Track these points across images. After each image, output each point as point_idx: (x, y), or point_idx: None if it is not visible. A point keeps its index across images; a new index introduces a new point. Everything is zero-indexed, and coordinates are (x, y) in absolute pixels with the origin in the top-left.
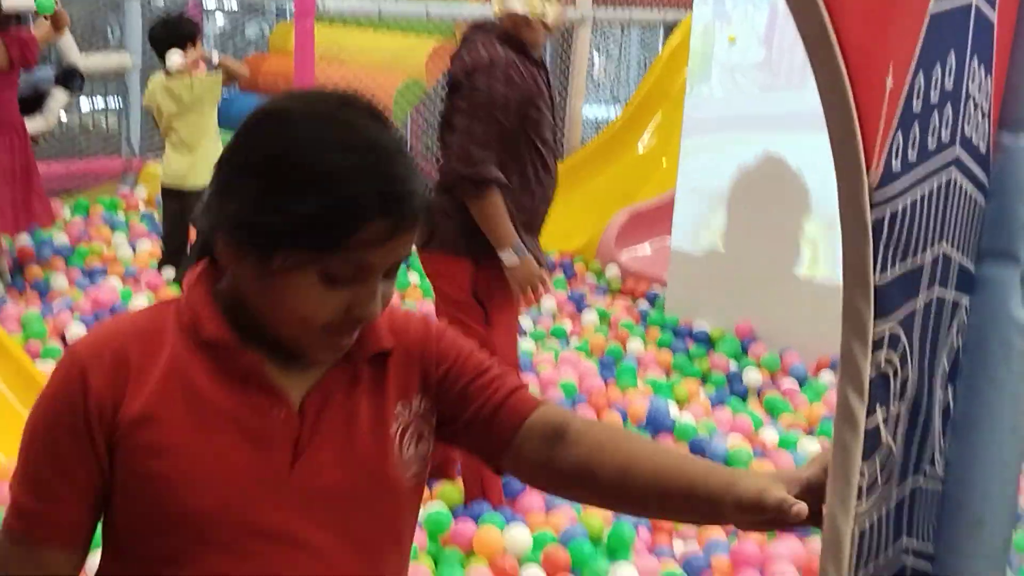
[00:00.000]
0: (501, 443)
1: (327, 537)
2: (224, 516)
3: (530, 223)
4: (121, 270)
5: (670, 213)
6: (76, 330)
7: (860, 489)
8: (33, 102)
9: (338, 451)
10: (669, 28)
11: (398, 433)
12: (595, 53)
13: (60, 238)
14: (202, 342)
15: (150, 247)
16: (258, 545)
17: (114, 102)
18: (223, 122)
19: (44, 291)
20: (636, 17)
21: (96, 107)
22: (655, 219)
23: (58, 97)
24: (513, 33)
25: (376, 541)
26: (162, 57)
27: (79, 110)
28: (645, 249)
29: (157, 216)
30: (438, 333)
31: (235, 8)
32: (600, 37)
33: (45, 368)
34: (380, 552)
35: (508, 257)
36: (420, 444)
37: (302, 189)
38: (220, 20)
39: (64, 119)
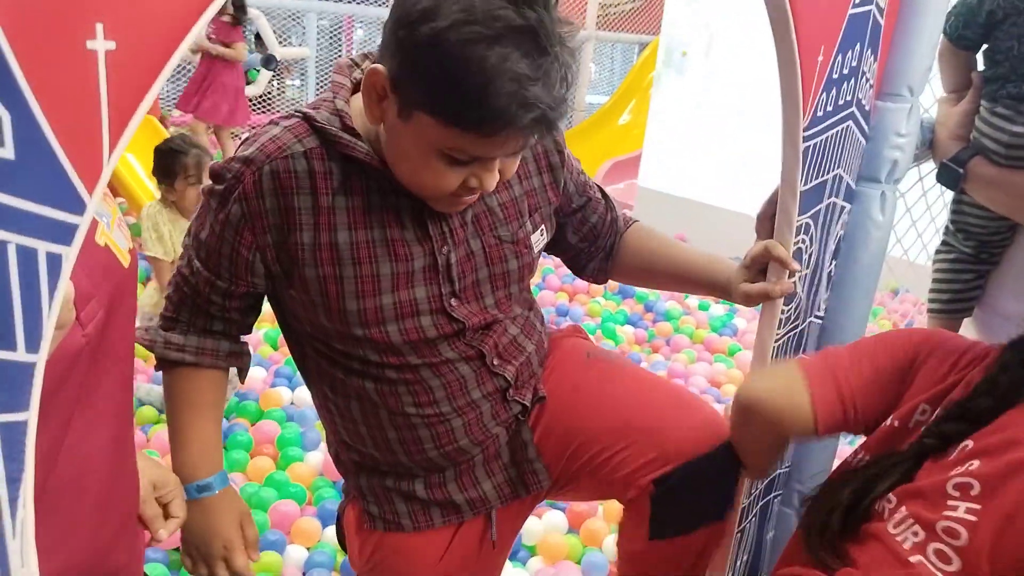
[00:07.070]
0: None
1: None
2: None
3: None
4: None
5: (638, 164)
6: None
7: (780, 321)
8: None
9: None
10: (642, 46)
11: None
12: (592, 64)
13: None
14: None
15: None
16: None
17: (295, 80)
18: None
19: None
20: (621, 38)
21: (285, 84)
22: (628, 167)
23: (264, 74)
24: None
25: None
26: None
27: (275, 85)
28: (621, 186)
29: None
30: None
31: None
32: (597, 52)
33: None
34: None
35: None
36: None
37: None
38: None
39: (267, 90)
